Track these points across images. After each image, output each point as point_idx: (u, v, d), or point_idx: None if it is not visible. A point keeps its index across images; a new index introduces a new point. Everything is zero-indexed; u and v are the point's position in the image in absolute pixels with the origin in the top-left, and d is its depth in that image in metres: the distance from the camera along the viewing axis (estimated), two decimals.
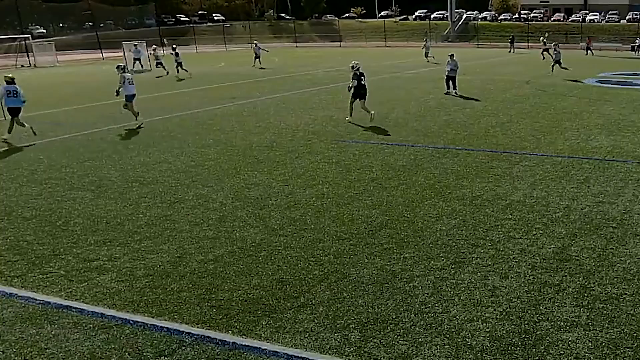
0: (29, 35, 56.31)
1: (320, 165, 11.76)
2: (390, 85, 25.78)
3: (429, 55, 40.08)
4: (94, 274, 6.95)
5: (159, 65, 35.37)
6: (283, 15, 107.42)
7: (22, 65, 47.75)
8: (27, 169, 12.11)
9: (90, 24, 76.44)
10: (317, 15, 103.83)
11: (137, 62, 38.24)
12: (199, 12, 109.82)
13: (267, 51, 39.41)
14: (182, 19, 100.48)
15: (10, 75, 16.27)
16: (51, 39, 63.47)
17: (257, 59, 38.21)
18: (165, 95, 24.16)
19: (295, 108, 19.47)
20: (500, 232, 7.99)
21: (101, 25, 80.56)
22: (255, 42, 41.46)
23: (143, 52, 39.28)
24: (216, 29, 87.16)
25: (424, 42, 41.32)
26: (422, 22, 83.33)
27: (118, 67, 17.72)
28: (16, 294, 6.49)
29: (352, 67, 16.57)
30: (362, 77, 16.67)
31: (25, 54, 51.40)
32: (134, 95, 17.36)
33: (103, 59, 54.74)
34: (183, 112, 19.18)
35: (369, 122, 16.30)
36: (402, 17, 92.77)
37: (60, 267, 7.17)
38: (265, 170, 11.45)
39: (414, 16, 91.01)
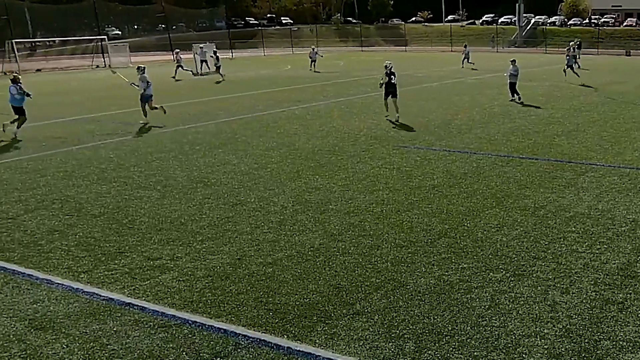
0: (105, 37, 58.32)
1: (381, 170, 11.69)
2: (454, 91, 25.39)
3: (468, 61, 38.96)
4: (157, 273, 7.11)
5: (179, 68, 35.91)
6: (350, 19, 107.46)
7: (97, 66, 49.59)
8: (97, 167, 12.54)
9: (162, 26, 78.50)
10: (383, 19, 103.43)
11: (204, 64, 38.93)
12: (268, 15, 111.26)
13: (322, 56, 39.54)
14: (251, 22, 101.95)
15: (15, 73, 17.30)
16: (125, 40, 65.71)
17: (313, 63, 38.55)
18: (230, 98, 24.56)
19: (358, 112, 19.43)
20: (563, 245, 7.72)
21: (173, 27, 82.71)
22: (312, 46, 41.63)
23: (210, 54, 39.97)
24: (284, 32, 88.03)
25: (464, 49, 40.10)
26: (489, 26, 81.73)
27: (138, 68, 18.89)
28: (82, 289, 6.71)
29: (385, 67, 18.02)
30: (392, 76, 18.00)
31: (101, 54, 53.30)
32: (151, 96, 18.50)
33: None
34: (249, 115, 19.45)
35: (397, 121, 17.57)
36: (469, 21, 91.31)
37: (124, 265, 7.37)
38: (326, 174, 11.47)
39: (481, 21, 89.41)
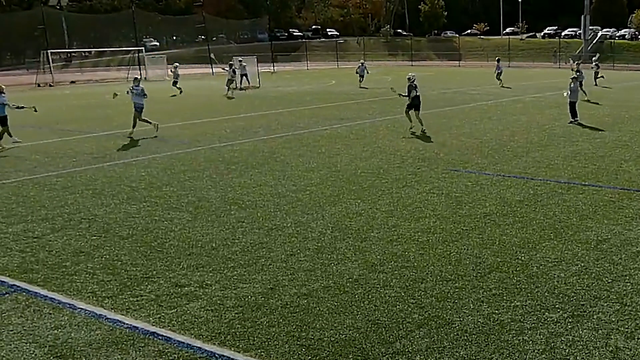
0: (142, 48, 59.73)
1: (428, 196, 11.58)
2: (510, 110, 25.09)
3: (499, 78, 38.20)
4: (184, 301, 7.15)
5: (175, 85, 36.53)
6: (400, 31, 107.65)
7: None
8: (128, 186, 12.77)
9: (202, 37, 79.94)
10: (436, 31, 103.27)
11: (244, 78, 39.31)
12: (313, 27, 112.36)
13: (368, 72, 39.56)
14: (295, 33, 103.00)
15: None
16: (163, 52, 67.17)
17: (361, 79, 38.47)
18: (270, 114, 24.80)
19: (406, 131, 19.35)
20: (628, 284, 7.48)
21: (213, 38, 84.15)
22: (361, 61, 41.71)
23: (251, 68, 40.38)
24: (329, 45, 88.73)
25: (497, 64, 39.07)
26: (552, 40, 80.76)
27: (135, 79, 20.54)
28: (105, 316, 6.79)
29: (409, 79, 19.95)
30: (417, 89, 19.60)
31: (138, 66, 54.60)
32: (142, 107, 19.72)
33: (213, 74, 57.12)
34: (288, 133, 19.59)
35: (419, 132, 19.03)
36: (529, 34, 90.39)
37: (151, 291, 7.44)
38: (369, 199, 11.42)
39: (542, 33, 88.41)
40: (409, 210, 10.62)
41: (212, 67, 59.78)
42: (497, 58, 41.12)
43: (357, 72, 39.44)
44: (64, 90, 44.85)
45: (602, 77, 36.30)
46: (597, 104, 26.42)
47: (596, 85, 35.21)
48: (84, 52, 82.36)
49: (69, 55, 75.96)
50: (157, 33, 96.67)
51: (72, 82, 52.32)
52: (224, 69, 36.60)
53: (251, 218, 10.30)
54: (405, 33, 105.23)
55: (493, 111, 24.58)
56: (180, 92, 35.61)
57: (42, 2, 69.41)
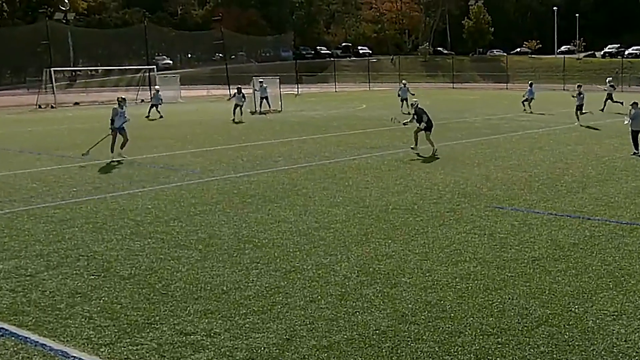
0: (154, 67, 60.62)
1: (468, 236, 11.48)
2: (565, 139, 24.91)
3: (528, 103, 37.86)
4: (189, 351, 7.13)
5: (154, 107, 37.34)
6: (440, 49, 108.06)
7: (142, 100, 51.52)
8: (132, 220, 12.86)
9: (220, 55, 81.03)
10: (481, 50, 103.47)
11: (265, 101, 39.56)
12: (343, 44, 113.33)
13: (413, 94, 39.51)
14: (322, 51, 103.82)
15: None
16: (177, 71, 68.24)
17: (404, 102, 38.31)
18: (293, 141, 24.94)
19: (443, 163, 19.30)
20: None
21: (232, 56, 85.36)
22: (403, 82, 41.79)
23: (272, 90, 40.62)
24: (360, 65, 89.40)
25: (529, 87, 38.43)
26: (613, 59, 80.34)
27: (123, 99, 21.64)
28: None
29: (412, 105, 22.34)
30: (425, 112, 21.49)
31: (148, 86, 55.47)
32: (121, 127, 20.93)
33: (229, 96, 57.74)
34: (312, 162, 19.65)
35: (430, 154, 20.68)
36: (587, 53, 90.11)
37: (153, 339, 7.43)
38: (401, 238, 11.35)
39: (602, 52, 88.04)
40: (446, 253, 10.52)
41: (229, 89, 60.50)
42: (529, 82, 40.61)
43: (398, 95, 39.25)
44: (67, 112, 45.68)
45: (619, 102, 35.85)
46: None
47: (602, 110, 35.07)
48: (90, 70, 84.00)
49: (73, 73, 77.47)
50: (170, 50, 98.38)
51: (76, 103, 53.32)
52: (231, 96, 37.11)
53: (267, 258, 10.29)
54: (446, 51, 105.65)
55: (544, 140, 24.43)
56: (160, 117, 36.13)
57: (47, 15, 70.96)
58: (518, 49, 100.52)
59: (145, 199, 14.84)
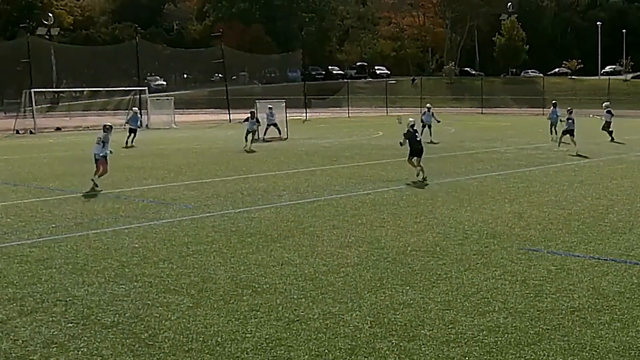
0: (146, 88, 61.02)
1: (498, 283, 11.41)
2: (609, 172, 24.86)
3: (553, 127, 37.84)
4: None
5: (132, 133, 37.67)
6: (468, 69, 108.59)
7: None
8: (117, 260, 12.86)
9: (219, 75, 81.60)
10: (514, 70, 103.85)
11: (273, 127, 39.84)
12: (358, 64, 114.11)
13: (439, 121, 39.56)
14: (334, 72, 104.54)
15: None
16: (171, 93, 68.69)
17: (429, 129, 38.30)
18: (300, 173, 25.02)
19: (470, 198, 19.27)
20: None
21: (233, 77, 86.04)
22: (427, 106, 41.84)
23: (278, 114, 40.84)
24: (376, 87, 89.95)
25: (568, 114, 37.98)
26: None
27: (109, 127, 22.33)
28: None
29: (407, 124, 23.44)
30: (417, 134, 23.17)
31: (138, 110, 55.84)
32: (99, 157, 21.63)
33: (230, 121, 58.13)
34: (321, 197, 19.66)
35: (418, 178, 22.41)
36: (635, 74, 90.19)
37: None
38: (420, 285, 11.30)
39: None
40: (472, 302, 10.45)
41: (229, 113, 60.74)
42: (568, 109, 40.40)
43: (422, 121, 38.99)
44: (48, 138, 46.04)
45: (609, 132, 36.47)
46: None
47: (612, 140, 35.36)
48: (75, 91, 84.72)
49: (56, 95, 78.17)
50: (164, 70, 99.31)
51: (58, 128, 53.81)
52: (244, 120, 37.22)
53: (268, 306, 10.25)
54: (474, 72, 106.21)
55: (586, 173, 24.39)
56: (127, 144, 36.26)
57: (28, 31, 71.79)
58: (556, 70, 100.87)
59: (132, 237, 14.84)
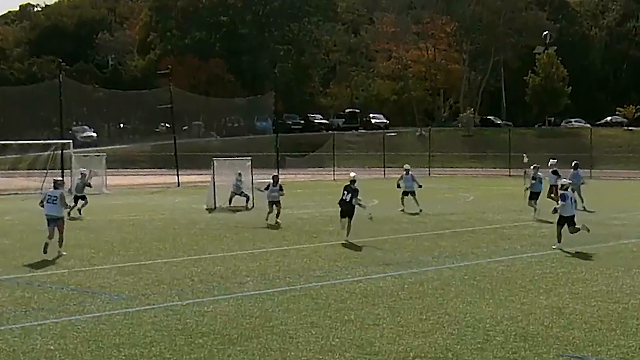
0: (71, 141, 60.78)
1: None
2: None
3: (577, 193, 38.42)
4: None
5: (80, 200, 37.96)
6: (491, 118, 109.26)
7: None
8: None
9: (166, 125, 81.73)
10: (552, 119, 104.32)
11: (239, 196, 40.16)
12: (347, 110, 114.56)
13: (421, 186, 39.60)
14: (316, 120, 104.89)
15: None
16: (103, 148, 68.59)
17: (412, 197, 38.32)
18: (269, 253, 24.95)
19: (493, 288, 19.23)
20: None
21: (184, 128, 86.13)
22: (406, 166, 41.09)
23: (246, 181, 40.97)
24: (371, 140, 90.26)
25: (574, 171, 38.60)
26: None
27: (61, 181, 25.71)
28: None
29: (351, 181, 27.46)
30: (345, 193, 27.37)
31: (61, 171, 55.65)
32: (57, 217, 24.29)
33: (179, 184, 58.08)
34: (296, 285, 19.57)
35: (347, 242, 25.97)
36: None
37: None
38: None
39: None
40: None
41: (178, 174, 60.66)
42: (574, 163, 41.37)
43: (398, 186, 39.24)
44: None
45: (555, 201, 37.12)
46: None
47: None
48: None
49: None
50: (95, 117, 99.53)
51: None
52: (264, 188, 36.69)
53: None
54: (500, 122, 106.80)
55: None
56: (69, 213, 36.02)
57: None
58: (608, 118, 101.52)
59: (46, 336, 14.69)
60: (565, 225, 25.62)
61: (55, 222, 24.53)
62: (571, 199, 26.34)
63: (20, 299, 18.10)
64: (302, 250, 25.48)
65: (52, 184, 25.90)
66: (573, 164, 40.88)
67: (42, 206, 25.07)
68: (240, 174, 40.79)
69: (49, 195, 24.87)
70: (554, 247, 25.41)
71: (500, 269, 21.90)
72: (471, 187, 54.26)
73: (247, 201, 40.24)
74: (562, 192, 26.06)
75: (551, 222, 28.08)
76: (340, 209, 26.54)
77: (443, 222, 33.24)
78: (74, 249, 25.90)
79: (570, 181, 37.43)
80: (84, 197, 38.06)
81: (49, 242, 24.19)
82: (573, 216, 25.84)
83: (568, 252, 24.89)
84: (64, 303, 17.70)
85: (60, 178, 26.62)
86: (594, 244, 26.68)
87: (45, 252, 23.79)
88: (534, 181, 34.94)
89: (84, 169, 43.21)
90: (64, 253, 24.37)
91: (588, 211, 36.99)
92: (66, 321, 15.94)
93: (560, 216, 25.73)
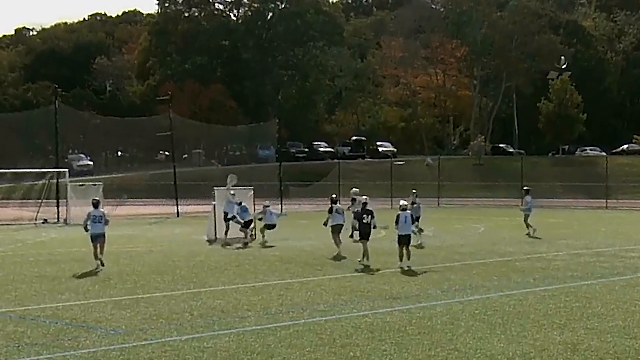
0: (67, 170, 60.79)
1: None
2: None
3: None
4: None
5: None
6: (503, 146, 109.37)
7: (45, 220, 51.78)
8: None
9: (165, 153, 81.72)
10: (566, 147, 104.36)
11: (234, 223, 39.79)
12: (353, 138, 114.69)
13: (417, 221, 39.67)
14: (321, 149, 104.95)
15: None
16: (100, 177, 68.74)
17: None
18: (271, 286, 24.92)
19: (505, 322, 19.18)
20: None
21: (184, 156, 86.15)
22: (414, 191, 41.27)
23: (248, 209, 40.75)
24: (378, 169, 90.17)
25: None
26: None
27: (97, 201, 29.17)
28: None
29: (362, 202, 30.14)
30: (367, 215, 29.23)
31: (56, 201, 55.67)
32: (96, 235, 27.84)
33: (178, 214, 58.07)
34: (300, 320, 19.55)
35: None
36: None
37: None
38: None
39: None
40: None
41: (177, 204, 60.67)
42: (524, 188, 41.83)
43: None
44: None
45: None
46: None
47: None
48: None
49: None
50: (92, 145, 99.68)
51: None
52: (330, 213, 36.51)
53: None
54: (512, 150, 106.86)
55: None
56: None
57: None
58: (625, 146, 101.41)
59: None
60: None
61: (100, 238, 28.47)
62: (406, 218, 29.06)
63: (12, 334, 18.08)
64: (306, 284, 25.45)
65: (92, 204, 29.34)
66: (524, 189, 41.32)
67: (87, 229, 28.72)
68: (240, 203, 40.40)
69: (93, 216, 28.48)
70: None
71: (512, 303, 21.86)
72: (482, 218, 54.22)
73: (248, 232, 39.74)
74: (400, 212, 29.19)
75: (562, 253, 27.89)
76: (360, 232, 29.35)
77: (452, 254, 33.18)
78: (69, 282, 25.92)
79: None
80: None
81: (99, 257, 28.49)
82: (409, 235, 29.34)
83: (582, 284, 24.86)
84: (58, 338, 17.67)
85: (97, 198, 30.37)
86: (610, 277, 26.66)
87: (103, 264, 28.49)
88: (415, 205, 37.57)
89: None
90: (104, 265, 28.42)
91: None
92: (60, 357, 15.95)
93: (399, 235, 28.99)
